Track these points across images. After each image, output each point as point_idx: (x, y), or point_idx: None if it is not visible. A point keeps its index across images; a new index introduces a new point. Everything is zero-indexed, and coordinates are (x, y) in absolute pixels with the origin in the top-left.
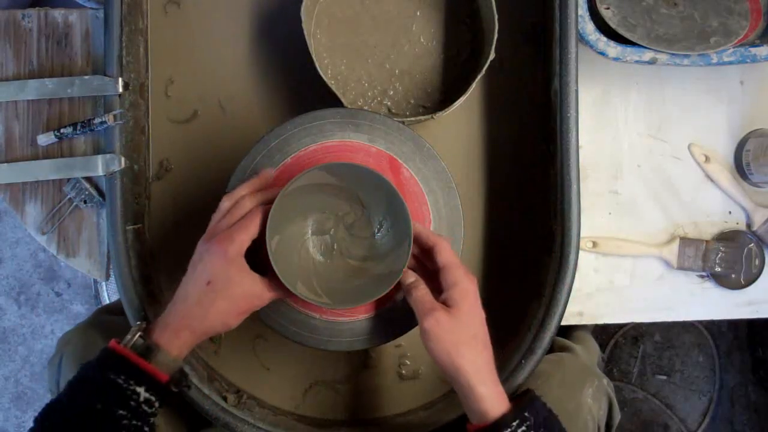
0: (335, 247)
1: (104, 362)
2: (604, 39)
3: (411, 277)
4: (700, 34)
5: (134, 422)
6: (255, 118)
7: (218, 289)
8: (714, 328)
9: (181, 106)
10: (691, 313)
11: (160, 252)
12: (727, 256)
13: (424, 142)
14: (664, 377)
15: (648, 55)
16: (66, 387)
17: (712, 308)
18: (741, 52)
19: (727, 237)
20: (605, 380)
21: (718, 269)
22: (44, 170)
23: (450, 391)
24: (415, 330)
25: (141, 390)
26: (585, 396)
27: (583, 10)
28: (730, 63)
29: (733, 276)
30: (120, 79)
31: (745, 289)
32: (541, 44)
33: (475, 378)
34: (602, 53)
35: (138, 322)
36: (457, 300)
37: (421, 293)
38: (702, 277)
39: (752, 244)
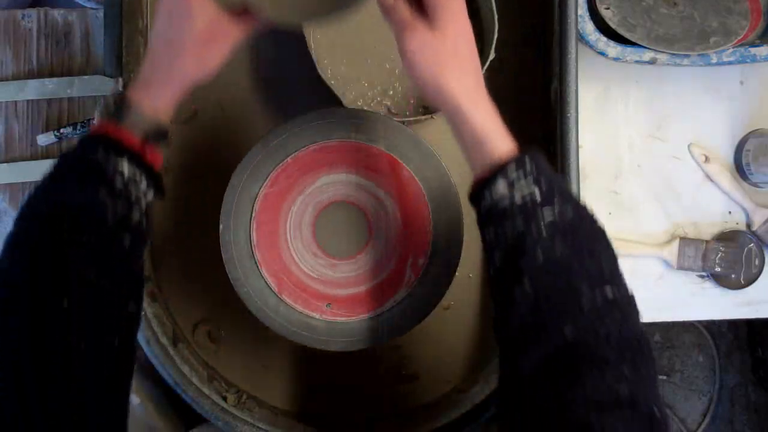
0: None
1: (85, 141)
2: (604, 39)
3: None
4: (700, 34)
5: (121, 208)
6: (255, 118)
7: (182, 23)
8: (714, 328)
9: (181, 106)
10: (691, 313)
11: (160, 252)
12: (727, 256)
13: (424, 142)
14: (664, 377)
15: (648, 55)
16: (49, 171)
17: (712, 308)
18: (741, 52)
19: (727, 237)
20: None
21: (718, 269)
22: (44, 170)
23: (450, 390)
24: (416, 330)
25: (124, 163)
26: None
27: (583, 10)
28: (730, 63)
29: (733, 276)
30: (120, 79)
31: (745, 289)
32: (541, 44)
33: (467, 100)
34: (602, 53)
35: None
36: (440, 17)
37: (399, 9)
38: (702, 277)
39: (752, 244)
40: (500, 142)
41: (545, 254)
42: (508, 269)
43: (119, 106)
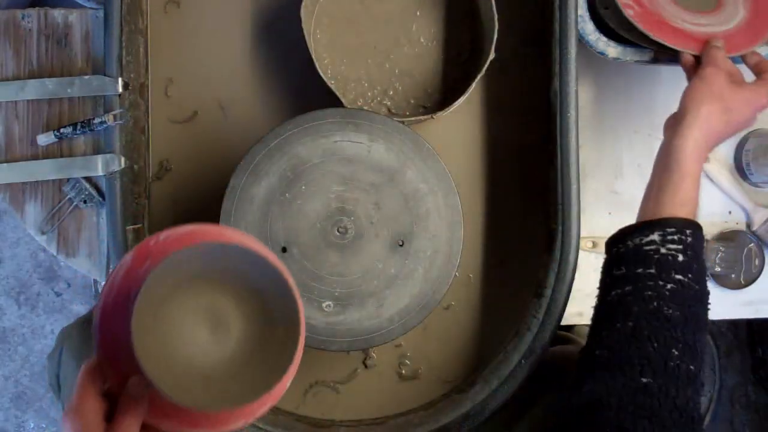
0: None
1: None
2: (604, 39)
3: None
4: None
5: None
6: (255, 118)
7: None
8: (714, 328)
9: (181, 106)
10: None
11: None
12: (727, 256)
13: (424, 142)
14: None
15: (648, 55)
16: None
17: (712, 308)
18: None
19: (727, 237)
20: None
21: (718, 269)
22: (44, 170)
23: (450, 390)
24: (416, 329)
25: None
26: None
27: (583, 10)
28: None
29: (733, 276)
30: (120, 79)
31: (745, 289)
32: (541, 44)
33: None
34: (602, 53)
35: None
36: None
37: (716, 51)
38: None
39: (752, 244)
40: (681, 207)
41: (658, 307)
42: (620, 306)
43: None
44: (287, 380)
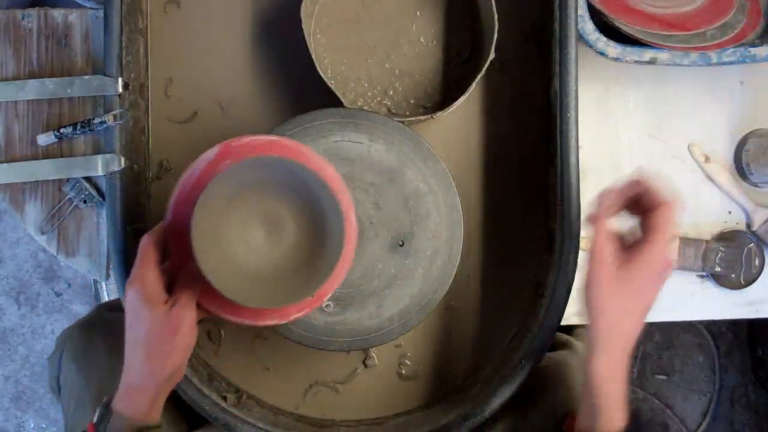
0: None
1: None
2: (604, 39)
3: (606, 201)
4: None
5: None
6: (255, 118)
7: (159, 342)
8: (714, 328)
9: (181, 106)
10: (691, 313)
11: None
12: (726, 256)
13: (424, 142)
14: (664, 377)
15: (648, 55)
16: None
17: (712, 308)
18: (741, 52)
19: (727, 237)
20: None
21: (718, 269)
22: (44, 170)
23: (450, 390)
24: (416, 329)
25: None
26: None
27: (583, 10)
28: (730, 63)
29: (733, 276)
30: (120, 79)
31: (745, 289)
32: (541, 44)
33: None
34: (602, 53)
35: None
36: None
37: (598, 239)
38: (702, 277)
39: (752, 244)
40: (614, 415)
41: None
42: None
43: (104, 417)
44: (325, 292)
